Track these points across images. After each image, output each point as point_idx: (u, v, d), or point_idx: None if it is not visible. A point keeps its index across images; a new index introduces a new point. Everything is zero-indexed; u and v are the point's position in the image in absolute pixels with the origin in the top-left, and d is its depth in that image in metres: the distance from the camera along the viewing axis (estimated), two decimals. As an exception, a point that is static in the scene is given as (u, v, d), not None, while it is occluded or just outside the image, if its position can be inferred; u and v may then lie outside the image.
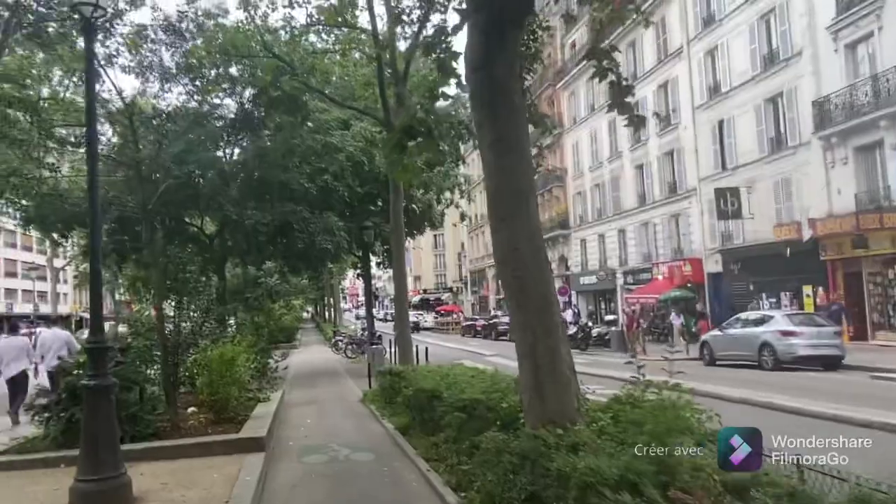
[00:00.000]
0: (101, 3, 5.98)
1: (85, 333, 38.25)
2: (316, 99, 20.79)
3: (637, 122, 6.24)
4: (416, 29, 15.56)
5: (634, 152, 36.50)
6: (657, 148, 34.36)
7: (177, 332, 10.12)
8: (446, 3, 12.88)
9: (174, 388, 10.01)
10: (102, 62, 15.75)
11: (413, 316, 38.10)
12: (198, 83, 19.20)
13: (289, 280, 41.62)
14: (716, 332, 20.81)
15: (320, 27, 17.49)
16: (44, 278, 65.42)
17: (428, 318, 59.60)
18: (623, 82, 6.18)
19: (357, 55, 20.22)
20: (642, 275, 35.95)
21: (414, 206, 24.72)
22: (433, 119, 7.10)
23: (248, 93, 20.21)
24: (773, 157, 26.45)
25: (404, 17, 14.96)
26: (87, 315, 72.19)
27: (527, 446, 5.05)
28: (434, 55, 6.41)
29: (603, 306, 42.09)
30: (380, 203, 24.13)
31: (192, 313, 11.53)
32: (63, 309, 67.90)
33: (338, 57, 19.22)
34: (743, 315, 20.74)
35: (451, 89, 7.08)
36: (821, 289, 24.05)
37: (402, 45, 16.60)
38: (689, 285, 31.02)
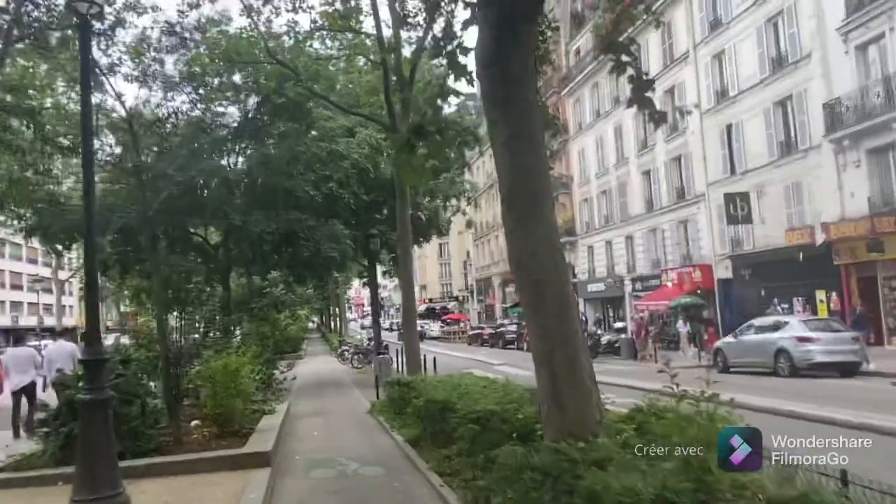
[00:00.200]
0: None
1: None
2: (321, 106, 20.61)
3: (659, 118, 5.95)
4: (421, 33, 15.39)
5: (641, 158, 36.20)
6: (664, 153, 34.04)
7: (179, 343, 9.83)
8: (453, 2, 12.64)
9: (177, 401, 9.72)
10: (105, 71, 15.59)
11: (419, 325, 37.80)
12: (201, 91, 19.04)
13: (294, 290, 41.36)
14: (729, 339, 20.43)
15: (325, 33, 17.30)
16: (49, 291, 65.35)
17: (434, 327, 59.28)
18: (643, 76, 5.91)
19: (362, 62, 20.05)
20: (651, 281, 35.55)
21: (420, 213, 24.46)
22: (443, 120, 6.88)
23: (252, 100, 20.03)
24: (783, 161, 26.11)
25: (409, 20, 14.73)
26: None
27: (548, 461, 4.74)
28: (443, 53, 6.18)
29: (611, 313, 41.68)
30: (385, 211, 23.91)
31: (196, 324, 11.31)
32: (69, 321, 67.80)
33: (342, 64, 19.03)
34: (757, 321, 20.33)
35: (461, 86, 6.77)
36: (834, 294, 23.64)
37: (407, 53, 16.45)
38: (698, 292, 30.61)
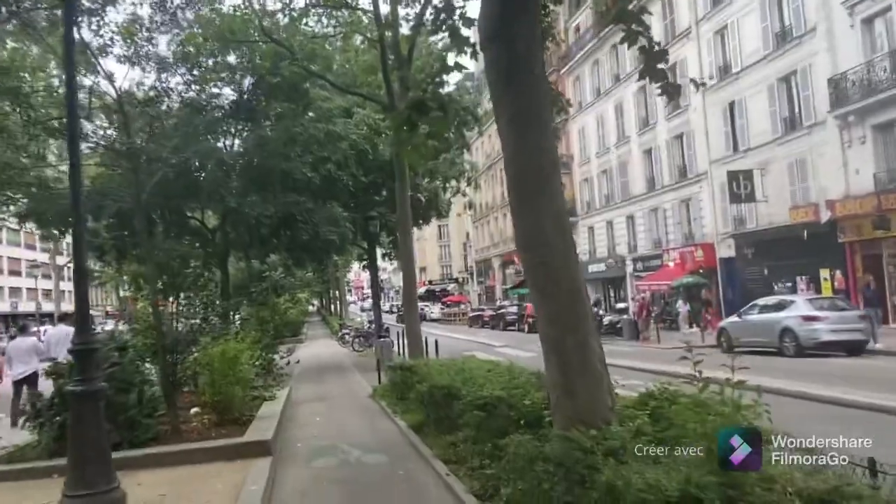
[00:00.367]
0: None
1: (95, 329, 37.84)
2: (317, 87, 20.23)
3: (672, 91, 5.66)
4: (418, 10, 15.00)
5: (642, 136, 35.81)
6: (666, 131, 33.65)
7: (175, 329, 9.60)
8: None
9: (174, 389, 9.50)
10: (95, 53, 15.19)
11: (419, 307, 37.68)
12: (195, 73, 18.63)
13: (294, 274, 41.18)
14: (734, 319, 20.24)
15: (320, 10, 16.88)
16: (48, 276, 65.15)
17: (434, 310, 59.22)
18: (655, 46, 5.60)
19: (358, 41, 19.64)
20: (652, 261, 35.33)
21: (420, 195, 24.18)
22: (445, 95, 6.59)
23: (248, 81, 19.63)
24: (787, 138, 25.76)
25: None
26: (91, 312, 72.25)
27: (560, 451, 4.53)
28: (444, 26, 5.88)
29: (612, 294, 41.50)
30: (384, 193, 23.61)
31: (194, 309, 11.08)
32: (67, 307, 67.67)
33: (339, 42, 18.63)
34: (761, 301, 20.13)
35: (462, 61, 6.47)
36: (839, 272, 23.41)
37: (405, 31, 16.05)
38: (701, 271, 30.40)
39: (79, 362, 5.66)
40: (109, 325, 24.58)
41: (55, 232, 23.03)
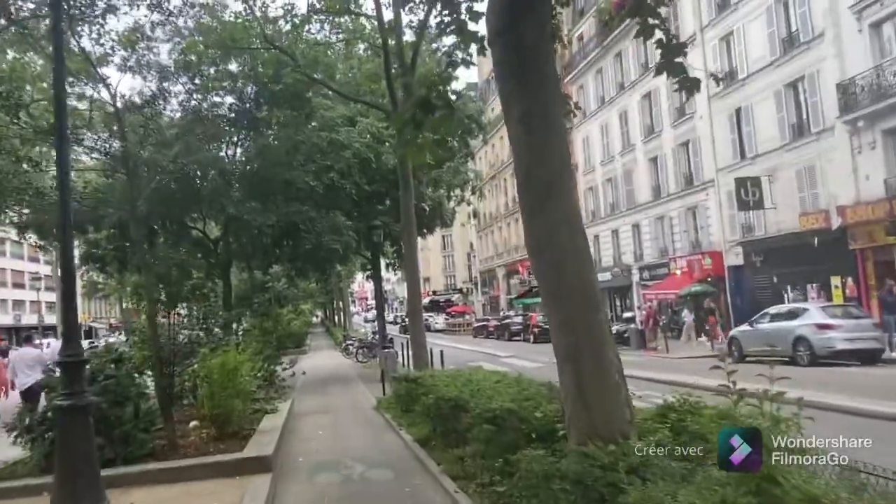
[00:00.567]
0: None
1: (97, 343, 37.66)
2: (320, 96, 20.06)
3: (691, 86, 5.39)
4: (422, 17, 14.83)
5: (648, 144, 35.53)
6: (672, 139, 33.37)
7: (172, 341, 9.31)
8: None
9: (172, 402, 9.20)
10: (94, 63, 15.03)
11: (423, 317, 37.38)
12: (197, 81, 18.46)
13: (297, 284, 40.90)
14: (745, 327, 19.88)
15: (322, 17, 16.70)
16: (51, 289, 65.05)
17: (439, 320, 58.84)
18: (673, 39, 5.35)
19: (361, 49, 19.48)
20: (659, 270, 34.95)
21: (424, 204, 23.93)
22: (451, 93, 6.35)
23: (250, 89, 19.45)
24: (795, 145, 25.44)
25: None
26: (95, 325, 72.08)
27: (578, 468, 4.23)
28: (448, 25, 5.63)
29: (618, 303, 41.10)
30: (388, 202, 23.36)
31: (194, 320, 10.82)
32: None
33: (341, 46, 18.46)
34: (773, 309, 19.78)
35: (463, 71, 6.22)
36: (850, 279, 23.02)
37: (408, 38, 15.88)
38: (709, 279, 30.03)
39: (66, 375, 5.37)
40: (112, 339, 24.35)
41: (56, 243, 22.84)
